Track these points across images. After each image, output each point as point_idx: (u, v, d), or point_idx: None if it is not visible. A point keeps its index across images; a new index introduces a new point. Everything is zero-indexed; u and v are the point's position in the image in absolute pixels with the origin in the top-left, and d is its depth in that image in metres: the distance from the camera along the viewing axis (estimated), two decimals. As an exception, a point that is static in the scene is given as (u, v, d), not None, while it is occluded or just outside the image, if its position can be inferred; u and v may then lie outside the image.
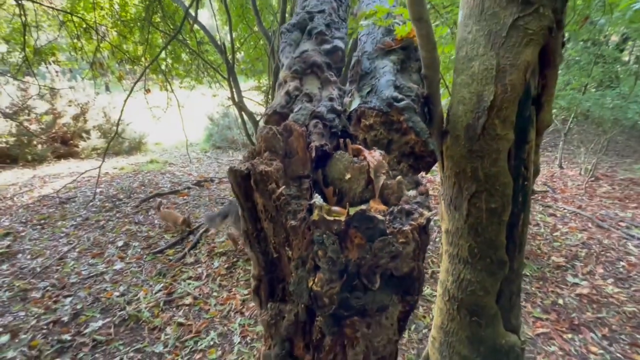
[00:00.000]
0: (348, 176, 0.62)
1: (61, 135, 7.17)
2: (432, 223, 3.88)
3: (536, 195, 5.52)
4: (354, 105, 0.77)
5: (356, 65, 0.90)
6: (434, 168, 0.94)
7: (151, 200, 4.63)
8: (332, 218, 0.53)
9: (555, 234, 3.97)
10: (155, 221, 4.06)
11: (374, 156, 0.64)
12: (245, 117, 3.71)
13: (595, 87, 6.63)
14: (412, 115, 0.72)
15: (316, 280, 0.53)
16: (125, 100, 2.91)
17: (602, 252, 3.53)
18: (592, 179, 6.26)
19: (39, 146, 6.74)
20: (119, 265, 3.13)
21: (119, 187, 5.15)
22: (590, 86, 6.45)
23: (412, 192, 0.63)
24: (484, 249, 0.88)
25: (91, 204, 4.50)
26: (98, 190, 4.88)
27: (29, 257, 3.26)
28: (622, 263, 3.36)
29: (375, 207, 0.60)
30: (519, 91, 0.76)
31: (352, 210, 0.61)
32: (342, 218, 0.53)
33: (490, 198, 0.84)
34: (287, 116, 0.66)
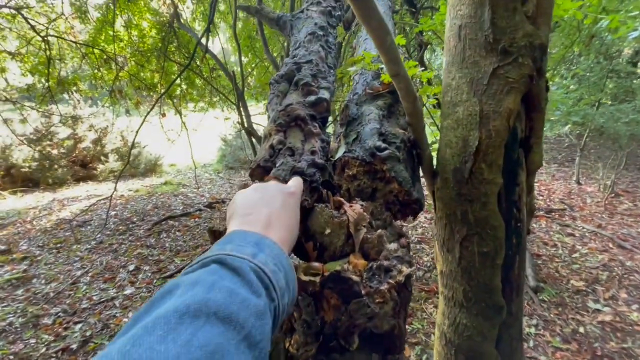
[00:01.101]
0: (328, 231, 0.62)
1: (81, 159, 7.49)
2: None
3: (553, 213, 5.34)
4: (340, 152, 0.79)
5: (345, 109, 0.92)
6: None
7: (163, 223, 4.72)
8: (307, 279, 0.54)
9: (574, 255, 3.80)
10: (166, 244, 4.13)
11: (355, 209, 0.65)
12: (255, 142, 3.79)
13: (610, 102, 6.48)
14: (394, 164, 0.73)
15: (292, 342, 0.53)
16: (138, 130, 3.04)
17: (625, 275, 3.35)
18: (612, 195, 6.02)
19: (60, 170, 7.05)
20: (129, 290, 3.17)
21: (133, 210, 5.29)
22: (605, 100, 6.31)
23: (393, 245, 0.63)
24: (478, 293, 0.86)
25: (106, 226, 4.63)
26: (113, 213, 5.03)
27: (43, 281, 3.35)
28: (647, 287, 3.17)
29: (355, 263, 0.60)
30: (504, 136, 0.76)
31: (332, 266, 0.61)
32: (317, 279, 0.54)
33: (481, 242, 0.83)
34: (270, 170, 0.68)
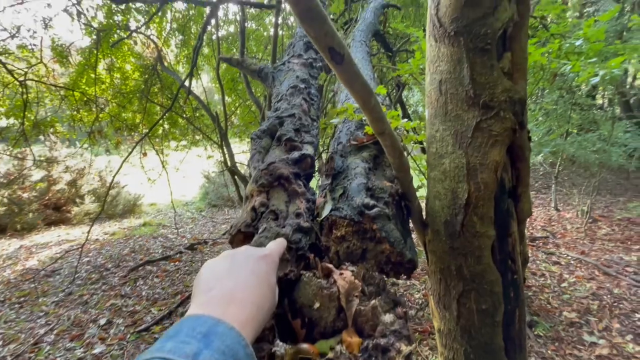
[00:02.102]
0: (317, 304, 0.57)
1: (54, 201, 7.14)
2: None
3: (537, 241, 5.41)
4: (327, 210, 0.75)
5: (330, 161, 0.89)
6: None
7: (140, 268, 4.45)
8: (295, 369, 0.47)
9: (563, 285, 3.79)
10: (143, 292, 3.85)
11: (346, 277, 0.60)
12: (238, 181, 3.73)
13: (577, 132, 6.90)
14: (385, 223, 0.69)
15: None
16: (116, 173, 2.94)
17: (615, 304, 3.34)
18: (590, 220, 6.20)
19: (30, 214, 6.67)
20: (99, 349, 2.88)
21: (107, 255, 4.98)
22: (572, 129, 6.71)
23: (389, 317, 0.57)
24: (480, 353, 0.80)
25: (77, 275, 4.30)
26: (85, 259, 4.71)
27: (0, 343, 3.00)
28: (637, 315, 3.16)
29: (348, 342, 0.54)
30: (492, 188, 0.75)
31: (323, 346, 0.55)
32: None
33: (479, 298, 0.78)
34: (252, 235, 0.63)
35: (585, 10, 10.52)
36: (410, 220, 0.89)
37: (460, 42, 0.73)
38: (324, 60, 1.35)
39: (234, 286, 0.44)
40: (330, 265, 0.62)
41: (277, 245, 0.55)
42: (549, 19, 3.58)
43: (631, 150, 6.28)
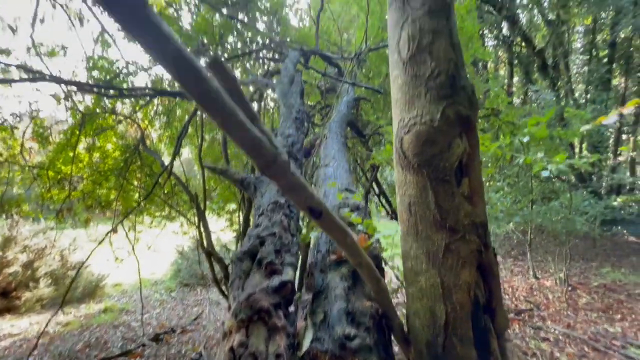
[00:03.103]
0: None
1: (4, 286, 6.39)
2: None
3: (523, 314, 5.32)
4: (307, 339, 0.73)
5: (310, 277, 0.90)
6: None
7: (93, 369, 3.86)
8: None
9: (556, 366, 3.63)
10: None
11: None
12: (215, 263, 3.57)
13: (541, 200, 7.39)
14: (367, 356, 0.68)
15: None
16: (87, 258, 2.75)
17: (612, 386, 3.20)
18: (570, 288, 6.26)
19: (-28, 303, 5.88)
20: None
21: (56, 353, 4.33)
22: (535, 196, 7.18)
23: None
24: None
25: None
26: None
27: None
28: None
29: None
30: (468, 308, 0.77)
31: None
32: None
33: None
34: (229, 383, 0.59)
35: (529, 94, 12.27)
36: (392, 337, 0.87)
37: (423, 173, 0.82)
38: (302, 169, 1.46)
39: None
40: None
41: None
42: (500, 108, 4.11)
43: (592, 219, 6.72)
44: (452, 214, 0.80)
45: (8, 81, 2.74)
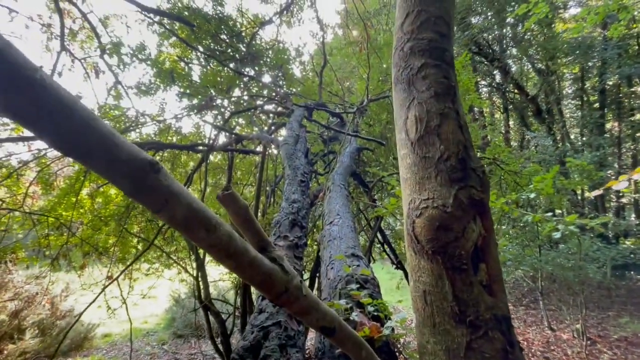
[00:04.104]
0: None
1: (-13, 338, 6.03)
2: None
3: (543, 375, 4.94)
4: None
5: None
6: None
7: None
8: None
9: None
10: None
11: None
12: (211, 318, 3.39)
13: (549, 245, 7.20)
14: None
15: None
16: (81, 314, 2.60)
17: None
18: (589, 342, 5.87)
19: (-49, 357, 5.50)
20: None
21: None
22: (541, 242, 7.00)
23: None
24: None
25: None
26: None
27: None
28: None
29: None
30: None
31: None
32: None
33: None
34: None
35: (526, 137, 12.54)
36: None
37: (438, 260, 0.78)
38: (306, 236, 1.42)
39: None
40: None
41: None
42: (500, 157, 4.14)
43: (603, 267, 6.48)
44: (471, 306, 0.74)
45: (21, 140, 2.81)
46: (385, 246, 3.98)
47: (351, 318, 0.91)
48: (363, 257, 1.44)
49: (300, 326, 0.86)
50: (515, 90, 12.51)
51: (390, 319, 0.92)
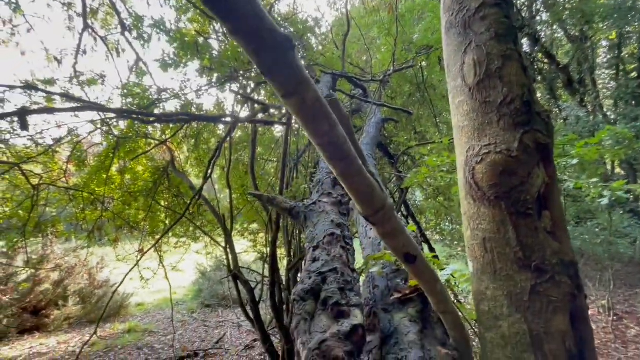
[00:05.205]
0: None
1: (35, 304, 6.56)
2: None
3: (565, 346, 4.93)
4: (383, 393, 0.66)
5: (373, 317, 0.83)
6: None
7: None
8: None
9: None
10: None
11: None
12: (240, 286, 3.53)
13: (575, 222, 6.97)
14: (457, 418, 0.60)
15: None
16: (120, 283, 2.78)
17: None
18: (615, 318, 5.77)
19: (5, 320, 6.04)
20: None
21: (83, 375, 4.32)
22: (569, 219, 6.78)
23: None
24: None
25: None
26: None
27: None
28: None
29: None
30: (563, 359, 0.68)
31: None
32: None
33: None
34: None
35: (554, 111, 11.89)
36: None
37: (501, 206, 0.76)
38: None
39: None
40: None
41: None
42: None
43: (635, 242, 6.24)
44: (537, 251, 0.72)
45: (56, 110, 2.90)
46: (410, 219, 3.96)
47: (403, 267, 0.92)
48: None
49: (354, 273, 0.88)
50: (545, 60, 11.77)
51: (443, 269, 0.92)
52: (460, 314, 0.69)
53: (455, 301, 0.91)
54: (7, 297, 6.09)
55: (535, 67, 12.39)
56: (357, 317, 0.72)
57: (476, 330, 0.81)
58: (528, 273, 0.73)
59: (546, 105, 13.22)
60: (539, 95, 13.39)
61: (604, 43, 12.13)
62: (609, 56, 12.03)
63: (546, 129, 0.79)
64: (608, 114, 11.26)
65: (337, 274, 0.82)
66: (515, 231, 0.74)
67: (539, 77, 12.57)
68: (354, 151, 0.33)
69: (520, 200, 0.74)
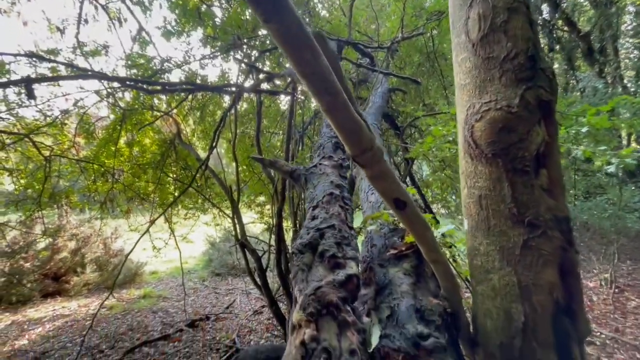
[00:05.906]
0: None
1: (55, 271, 6.93)
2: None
3: (564, 316, 5.04)
4: (375, 336, 0.70)
5: (369, 271, 0.87)
6: None
7: (137, 350, 4.10)
8: None
9: (605, 373, 3.41)
10: (138, 382, 3.49)
11: None
12: (248, 254, 3.65)
13: (584, 197, 6.91)
14: (442, 357, 0.64)
15: None
16: (132, 249, 2.90)
17: (671, 399, 2.95)
18: (616, 290, 5.84)
19: (29, 285, 6.42)
20: None
21: (103, 334, 4.64)
22: (578, 194, 6.71)
23: None
24: None
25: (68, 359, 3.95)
26: (79, 338, 4.37)
27: None
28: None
29: None
30: (550, 311, 0.71)
31: None
32: None
33: None
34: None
35: (570, 82, 11.42)
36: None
37: (498, 163, 0.76)
38: (349, 159, 1.42)
39: None
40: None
41: None
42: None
43: (643, 216, 6.18)
44: (531, 207, 0.73)
45: (60, 78, 2.90)
46: (415, 190, 3.97)
47: (400, 226, 0.94)
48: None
49: (352, 230, 0.90)
50: (565, 28, 11.12)
51: (438, 229, 0.94)
52: (453, 270, 0.71)
53: (451, 260, 0.93)
54: (29, 263, 6.43)
55: (554, 35, 11.75)
56: (352, 268, 0.75)
57: (469, 287, 0.84)
58: (521, 228, 0.74)
59: (563, 76, 12.67)
60: (556, 66, 12.80)
61: (631, 9, 11.35)
62: (634, 23, 11.30)
63: (549, 86, 0.77)
64: (628, 85, 10.75)
65: (334, 230, 0.85)
66: (511, 188, 0.75)
67: (557, 47, 11.95)
68: (339, 85, 0.34)
69: (517, 157, 0.74)
